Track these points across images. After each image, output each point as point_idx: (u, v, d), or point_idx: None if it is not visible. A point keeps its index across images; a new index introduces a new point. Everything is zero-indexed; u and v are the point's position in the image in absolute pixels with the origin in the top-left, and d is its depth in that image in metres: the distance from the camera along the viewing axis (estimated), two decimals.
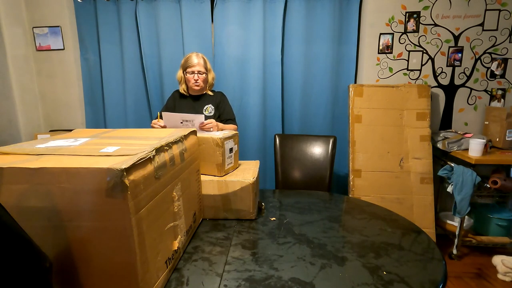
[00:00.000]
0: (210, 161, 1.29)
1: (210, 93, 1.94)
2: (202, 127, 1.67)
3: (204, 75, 1.85)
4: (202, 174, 1.29)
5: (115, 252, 0.69)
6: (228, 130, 1.72)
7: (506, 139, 2.22)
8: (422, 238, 1.15)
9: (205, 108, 1.88)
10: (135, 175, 0.68)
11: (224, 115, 1.93)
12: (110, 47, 2.43)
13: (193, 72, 1.83)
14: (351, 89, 2.34)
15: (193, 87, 1.86)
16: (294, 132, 2.51)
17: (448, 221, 2.41)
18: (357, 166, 2.27)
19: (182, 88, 1.93)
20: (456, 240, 2.22)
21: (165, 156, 0.85)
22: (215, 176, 1.29)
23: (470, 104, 2.46)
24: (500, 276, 2.05)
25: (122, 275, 0.71)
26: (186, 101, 1.93)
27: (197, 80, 1.84)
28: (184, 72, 1.87)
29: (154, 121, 1.73)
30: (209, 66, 1.90)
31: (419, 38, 2.38)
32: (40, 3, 2.39)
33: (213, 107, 1.90)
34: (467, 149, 2.18)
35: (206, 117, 1.83)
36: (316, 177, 2.06)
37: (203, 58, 1.86)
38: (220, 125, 1.81)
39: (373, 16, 2.36)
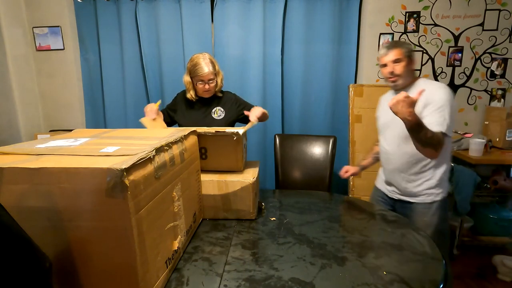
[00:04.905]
0: (230, 158, 1.32)
1: (219, 94, 1.82)
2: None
3: (214, 81, 1.72)
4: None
5: (115, 252, 0.69)
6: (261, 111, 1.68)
7: (506, 139, 2.22)
8: (422, 238, 1.15)
9: (213, 111, 1.79)
10: (135, 175, 0.68)
11: (247, 107, 1.82)
12: (110, 47, 2.42)
13: (203, 81, 1.69)
14: (351, 89, 2.33)
15: (204, 95, 1.77)
16: (294, 132, 2.50)
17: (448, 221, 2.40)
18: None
19: (190, 95, 1.78)
20: (456, 240, 2.22)
21: (165, 156, 0.85)
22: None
23: (470, 104, 2.46)
24: (500, 276, 2.05)
25: (122, 275, 0.71)
26: (193, 107, 1.82)
27: (208, 89, 1.71)
28: (192, 79, 1.73)
29: (150, 104, 1.69)
30: (217, 68, 1.75)
31: (419, 38, 2.38)
32: (40, 3, 2.39)
33: (222, 110, 1.79)
34: (467, 149, 2.18)
35: (215, 121, 1.76)
36: (316, 177, 2.05)
37: (211, 62, 1.71)
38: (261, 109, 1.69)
39: (373, 16, 2.36)
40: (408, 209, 1.50)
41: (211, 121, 1.77)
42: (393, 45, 1.42)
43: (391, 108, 1.20)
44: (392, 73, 1.41)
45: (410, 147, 1.35)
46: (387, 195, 1.61)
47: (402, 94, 1.15)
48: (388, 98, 1.56)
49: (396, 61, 1.40)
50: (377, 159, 1.75)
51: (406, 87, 1.45)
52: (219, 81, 1.76)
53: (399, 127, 1.35)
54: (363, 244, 1.09)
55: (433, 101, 1.32)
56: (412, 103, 1.15)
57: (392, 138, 1.50)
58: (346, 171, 1.72)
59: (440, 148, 1.29)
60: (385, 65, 1.43)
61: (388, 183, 1.60)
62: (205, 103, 1.81)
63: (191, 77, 1.73)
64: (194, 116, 1.79)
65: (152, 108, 1.69)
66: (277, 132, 2.42)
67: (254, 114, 1.64)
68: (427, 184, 1.45)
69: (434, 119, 1.30)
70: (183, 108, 1.83)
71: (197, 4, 2.34)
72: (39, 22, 2.42)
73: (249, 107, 1.83)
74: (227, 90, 1.90)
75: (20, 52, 2.37)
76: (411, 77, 1.44)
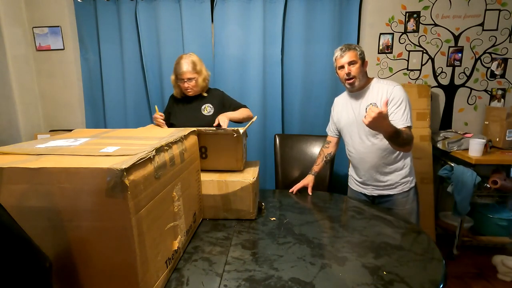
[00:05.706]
0: (230, 157, 1.32)
1: (205, 94, 1.85)
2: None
3: (194, 81, 1.74)
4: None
5: (115, 252, 0.70)
6: (241, 114, 1.73)
7: (506, 139, 2.22)
8: (422, 238, 1.15)
9: (203, 108, 1.81)
10: (135, 175, 0.68)
11: (233, 106, 1.85)
12: (110, 47, 2.42)
13: (182, 79, 1.74)
14: None
15: (186, 93, 1.80)
16: (294, 132, 2.50)
17: (448, 221, 2.40)
18: None
19: (175, 92, 1.84)
20: (456, 240, 2.22)
21: (165, 156, 0.85)
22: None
23: (470, 104, 2.46)
24: (500, 276, 2.05)
25: (122, 275, 0.71)
26: (182, 106, 1.85)
27: (187, 88, 1.75)
28: (176, 77, 1.78)
29: (155, 115, 1.70)
30: (199, 68, 1.76)
31: (419, 38, 2.38)
32: (40, 3, 2.39)
33: (211, 106, 1.82)
34: (467, 149, 2.18)
35: (206, 117, 1.79)
36: (316, 177, 2.05)
37: (192, 61, 1.73)
38: (229, 114, 1.71)
39: (373, 16, 2.36)
40: (389, 202, 1.58)
41: (202, 118, 1.79)
42: (347, 47, 1.48)
43: (369, 126, 1.23)
44: (349, 74, 1.47)
45: (382, 142, 1.44)
46: (365, 194, 1.65)
47: (375, 111, 1.17)
48: (343, 100, 1.67)
49: (351, 63, 1.47)
50: (326, 162, 1.82)
51: (362, 88, 1.53)
52: (200, 80, 1.77)
53: (365, 125, 1.38)
54: (363, 244, 1.09)
55: (393, 99, 1.43)
56: (386, 115, 1.21)
57: (363, 137, 1.54)
58: (294, 188, 1.70)
59: (413, 141, 1.40)
60: (341, 67, 1.50)
61: (365, 183, 1.63)
62: (194, 102, 1.84)
63: (175, 75, 1.79)
64: (184, 115, 1.82)
65: (160, 122, 1.70)
66: (277, 132, 2.42)
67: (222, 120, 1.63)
68: (402, 174, 1.55)
69: (399, 116, 1.41)
70: (174, 108, 1.87)
71: (197, 4, 2.34)
72: (39, 22, 2.42)
73: (236, 105, 1.86)
74: (214, 88, 1.93)
75: (20, 52, 2.37)
76: (365, 78, 1.53)
